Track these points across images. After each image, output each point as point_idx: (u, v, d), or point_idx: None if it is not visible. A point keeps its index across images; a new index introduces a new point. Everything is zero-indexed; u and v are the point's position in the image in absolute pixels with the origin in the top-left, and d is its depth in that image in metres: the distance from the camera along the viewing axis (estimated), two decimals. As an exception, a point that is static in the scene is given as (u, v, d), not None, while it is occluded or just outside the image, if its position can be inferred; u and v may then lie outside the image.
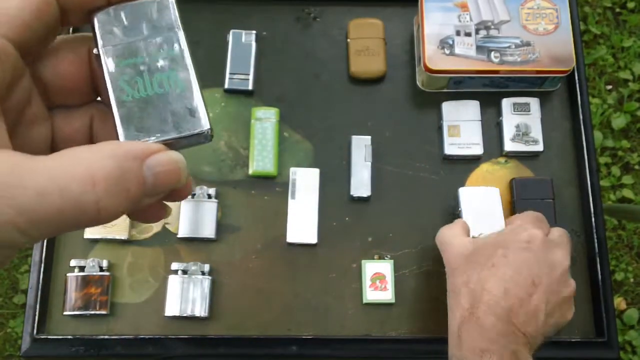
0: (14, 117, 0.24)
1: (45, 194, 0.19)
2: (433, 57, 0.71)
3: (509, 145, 0.72)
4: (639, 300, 1.45)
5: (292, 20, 0.78)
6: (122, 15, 0.25)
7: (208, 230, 0.68)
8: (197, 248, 0.69)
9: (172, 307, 0.66)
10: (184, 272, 0.67)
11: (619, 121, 1.58)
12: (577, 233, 0.71)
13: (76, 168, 0.20)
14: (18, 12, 0.22)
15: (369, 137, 0.72)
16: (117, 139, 0.24)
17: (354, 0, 0.79)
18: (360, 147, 0.71)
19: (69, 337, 0.65)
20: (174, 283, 0.66)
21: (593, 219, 0.70)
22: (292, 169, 0.70)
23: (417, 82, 0.76)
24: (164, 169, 0.22)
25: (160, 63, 0.25)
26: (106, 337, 0.65)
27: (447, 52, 0.71)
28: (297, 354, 0.65)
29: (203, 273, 0.67)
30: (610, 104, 1.60)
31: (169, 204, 0.27)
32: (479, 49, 0.71)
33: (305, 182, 0.69)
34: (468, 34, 0.71)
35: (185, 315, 0.66)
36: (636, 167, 1.55)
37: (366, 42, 0.75)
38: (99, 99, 0.28)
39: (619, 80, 1.63)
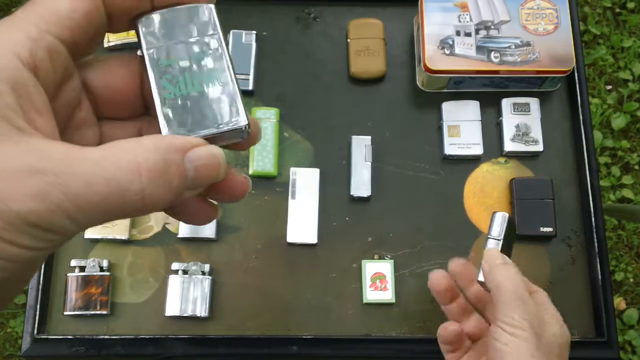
0: (63, 118, 0.25)
1: (93, 182, 0.20)
2: (433, 57, 0.71)
3: (509, 145, 0.73)
4: (638, 300, 1.45)
5: (292, 21, 0.79)
6: (165, 19, 0.27)
7: (208, 230, 0.68)
8: (197, 248, 0.69)
9: (173, 307, 0.66)
10: (184, 272, 0.67)
11: (618, 121, 1.58)
12: (577, 233, 0.71)
13: (122, 159, 0.21)
14: (68, 14, 0.23)
15: (369, 137, 0.72)
16: (160, 130, 0.26)
17: (354, 0, 0.79)
18: (360, 147, 0.71)
19: (70, 337, 0.65)
20: (174, 283, 0.66)
21: (593, 219, 0.70)
22: (292, 169, 0.70)
23: (417, 82, 0.76)
24: (204, 162, 0.23)
25: (201, 63, 0.27)
26: (106, 337, 0.65)
27: (447, 52, 0.71)
28: (297, 353, 0.65)
29: (203, 273, 0.67)
30: (610, 104, 1.60)
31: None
32: (479, 49, 0.71)
33: (306, 182, 0.69)
34: (468, 34, 0.71)
35: (185, 315, 0.66)
36: (636, 167, 1.55)
37: (366, 42, 0.75)
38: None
39: (618, 80, 1.64)
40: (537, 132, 0.73)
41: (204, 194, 0.27)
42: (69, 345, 0.65)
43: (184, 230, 0.68)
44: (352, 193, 0.69)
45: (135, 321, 0.67)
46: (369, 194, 0.70)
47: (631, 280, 1.47)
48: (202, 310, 0.66)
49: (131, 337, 0.65)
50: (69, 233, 0.21)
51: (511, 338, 0.44)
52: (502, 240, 0.52)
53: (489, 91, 0.75)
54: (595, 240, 0.69)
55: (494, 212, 0.53)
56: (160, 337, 0.65)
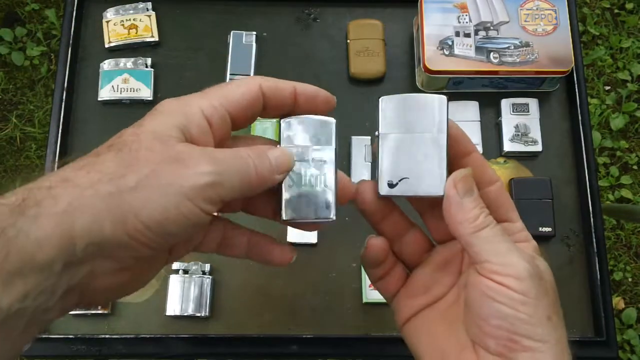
0: None
1: (241, 171, 0.32)
2: (432, 57, 0.71)
3: (508, 146, 0.73)
4: (637, 299, 1.46)
5: (292, 21, 0.79)
6: (298, 125, 0.36)
7: (209, 230, 0.68)
8: (197, 248, 0.69)
9: (173, 307, 0.66)
10: (185, 271, 0.67)
11: (617, 121, 1.58)
12: (575, 233, 0.71)
13: (240, 150, 0.33)
14: (239, 99, 0.34)
15: (369, 137, 0.72)
16: (280, 211, 0.36)
17: (354, 1, 0.79)
18: (360, 147, 0.71)
19: (70, 336, 0.65)
20: (174, 282, 0.66)
21: (592, 219, 0.70)
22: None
23: (417, 83, 0.76)
24: (278, 154, 0.34)
25: (317, 165, 0.36)
26: (107, 336, 0.65)
27: (447, 52, 0.71)
28: (298, 353, 0.66)
29: (204, 273, 0.67)
30: (608, 104, 1.61)
31: None
32: (478, 49, 0.71)
33: (306, 182, 0.70)
34: (467, 35, 0.72)
35: (186, 314, 0.66)
36: (634, 167, 1.56)
37: (366, 42, 0.76)
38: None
39: (617, 80, 1.64)
40: (536, 133, 0.73)
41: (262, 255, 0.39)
42: (69, 344, 0.65)
43: (184, 230, 0.68)
44: (352, 193, 0.70)
45: (136, 320, 0.67)
46: (369, 194, 0.70)
47: (630, 279, 1.47)
48: (202, 310, 0.66)
49: (132, 336, 0.65)
50: (221, 205, 0.31)
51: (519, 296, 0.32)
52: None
53: (488, 92, 0.75)
54: (594, 240, 0.69)
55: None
56: (160, 337, 0.65)
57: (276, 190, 0.36)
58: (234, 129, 0.35)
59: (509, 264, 0.33)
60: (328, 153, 0.36)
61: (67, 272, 0.28)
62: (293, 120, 0.36)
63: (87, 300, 0.31)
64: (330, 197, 0.36)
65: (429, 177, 0.35)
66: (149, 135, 0.31)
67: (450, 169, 0.35)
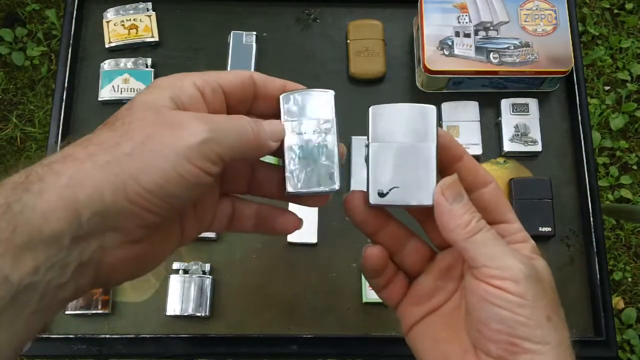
0: None
1: (240, 132, 0.33)
2: (432, 58, 0.71)
3: (507, 146, 0.73)
4: (637, 299, 1.46)
5: (292, 22, 0.79)
6: (297, 98, 0.37)
7: (209, 230, 0.68)
8: (198, 247, 0.69)
9: (173, 306, 0.66)
10: (185, 271, 0.67)
11: (617, 121, 1.58)
12: (575, 233, 0.71)
13: (243, 119, 0.34)
14: (232, 79, 0.35)
15: (369, 138, 0.72)
16: (285, 184, 0.36)
17: (354, 1, 0.79)
18: (360, 147, 0.71)
19: (71, 336, 0.65)
20: (175, 282, 0.67)
21: (591, 219, 0.70)
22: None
23: (417, 83, 0.76)
24: (273, 123, 0.36)
25: (317, 138, 0.36)
26: (107, 336, 0.65)
27: (447, 53, 0.71)
28: (298, 352, 0.66)
29: (204, 272, 0.67)
30: (608, 104, 1.61)
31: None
32: (478, 49, 0.71)
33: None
34: (467, 35, 0.72)
35: (186, 314, 0.66)
36: (634, 167, 1.56)
37: (366, 43, 0.76)
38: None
39: (617, 80, 1.64)
40: (535, 133, 0.73)
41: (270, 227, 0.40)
42: (69, 344, 0.65)
43: (184, 230, 0.68)
44: (352, 193, 0.70)
45: (136, 320, 0.67)
46: (369, 194, 0.70)
47: (629, 279, 1.47)
48: (202, 310, 0.66)
49: (132, 336, 0.66)
50: (221, 164, 0.32)
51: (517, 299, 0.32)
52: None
53: (488, 92, 0.76)
54: (594, 239, 0.70)
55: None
56: (161, 337, 0.65)
57: (280, 166, 0.37)
58: (229, 113, 0.36)
59: (505, 267, 0.33)
60: (328, 124, 0.37)
61: (77, 246, 0.28)
62: (292, 94, 0.37)
63: (103, 280, 0.31)
64: (333, 167, 0.36)
65: (418, 186, 0.35)
66: (142, 106, 0.31)
67: (440, 178, 0.35)
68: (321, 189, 0.36)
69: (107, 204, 0.28)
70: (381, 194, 0.36)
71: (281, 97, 0.37)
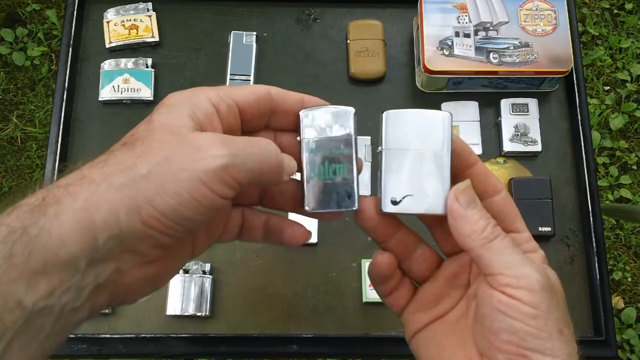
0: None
1: (261, 160, 0.32)
2: (432, 58, 0.71)
3: (507, 146, 0.73)
4: (636, 299, 1.46)
5: (292, 22, 0.79)
6: (317, 115, 0.36)
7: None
8: (198, 247, 0.69)
9: (174, 306, 0.66)
10: (185, 271, 0.67)
11: (616, 121, 1.58)
12: (575, 232, 0.71)
13: (270, 144, 0.33)
14: (246, 95, 0.35)
15: (369, 138, 0.72)
16: (303, 202, 0.36)
17: (354, 1, 0.79)
18: (360, 147, 0.72)
19: (71, 335, 0.65)
20: (175, 282, 0.67)
21: (591, 219, 0.70)
22: (292, 169, 0.71)
23: (417, 83, 0.76)
24: (288, 157, 0.35)
25: (337, 156, 0.36)
26: (108, 335, 0.65)
27: (446, 53, 0.71)
28: (297, 352, 0.66)
29: (204, 272, 0.68)
30: (608, 104, 1.61)
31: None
32: (478, 50, 0.71)
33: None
34: (467, 35, 0.72)
35: (186, 314, 0.66)
36: (634, 167, 1.56)
37: (366, 43, 0.76)
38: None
39: (616, 81, 1.64)
40: (535, 133, 0.73)
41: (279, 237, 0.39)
42: (70, 343, 0.65)
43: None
44: (352, 193, 0.70)
45: (137, 320, 0.67)
46: (369, 193, 0.70)
47: (629, 279, 1.47)
48: (202, 310, 0.66)
49: (132, 335, 0.66)
50: (238, 188, 0.31)
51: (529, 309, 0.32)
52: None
53: (488, 92, 0.76)
54: (594, 239, 0.70)
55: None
56: (161, 336, 0.66)
57: (297, 183, 0.37)
58: (244, 129, 0.36)
59: (522, 276, 0.32)
60: (348, 142, 0.36)
61: (93, 270, 0.28)
62: (312, 110, 0.36)
63: (119, 300, 0.31)
64: (352, 186, 0.36)
65: (432, 195, 0.35)
66: (161, 128, 0.31)
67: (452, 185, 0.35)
68: (340, 209, 0.36)
69: (123, 227, 0.28)
70: (394, 202, 0.36)
71: (301, 113, 0.36)
